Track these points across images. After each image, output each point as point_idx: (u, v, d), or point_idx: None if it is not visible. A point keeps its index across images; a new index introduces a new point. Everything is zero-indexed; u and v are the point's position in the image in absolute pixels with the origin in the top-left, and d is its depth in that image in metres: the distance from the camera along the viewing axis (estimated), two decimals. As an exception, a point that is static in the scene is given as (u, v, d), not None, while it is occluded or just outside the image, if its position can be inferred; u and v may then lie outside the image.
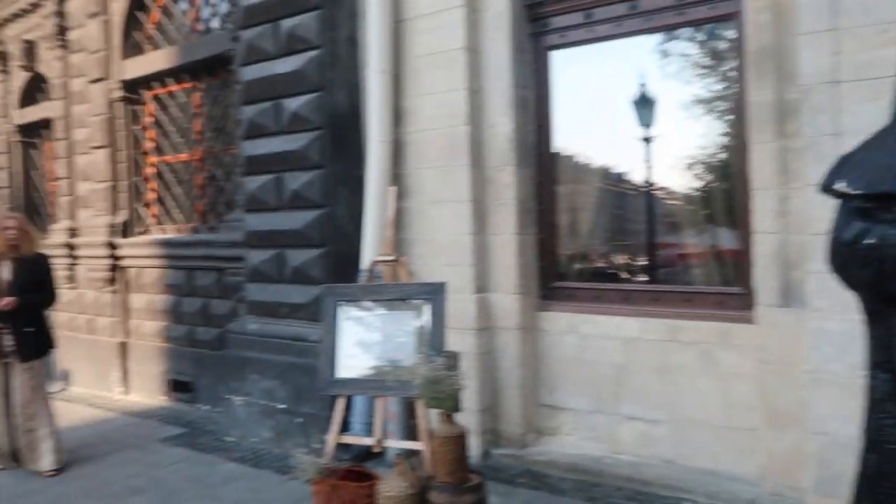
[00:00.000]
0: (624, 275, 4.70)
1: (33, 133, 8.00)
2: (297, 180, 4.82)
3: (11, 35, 7.78)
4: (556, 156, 4.60)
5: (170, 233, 6.51)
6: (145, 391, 6.54)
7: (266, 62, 4.96)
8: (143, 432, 5.48)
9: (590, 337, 4.28)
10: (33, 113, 7.76)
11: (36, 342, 4.59)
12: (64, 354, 7.24)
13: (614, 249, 4.90)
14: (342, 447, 3.91)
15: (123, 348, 6.69)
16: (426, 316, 3.48)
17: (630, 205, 4.87)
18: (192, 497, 4.06)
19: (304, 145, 4.76)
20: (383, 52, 4.56)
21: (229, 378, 5.20)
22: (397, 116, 4.67)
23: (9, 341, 4.47)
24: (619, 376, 4.17)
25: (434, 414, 3.27)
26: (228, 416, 5.20)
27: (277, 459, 4.62)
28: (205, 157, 6.25)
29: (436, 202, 4.55)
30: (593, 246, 4.81)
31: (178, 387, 6.27)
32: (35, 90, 7.86)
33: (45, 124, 7.69)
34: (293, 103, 4.80)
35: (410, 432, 4.20)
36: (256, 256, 5.09)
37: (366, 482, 3.33)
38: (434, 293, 3.50)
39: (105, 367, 6.83)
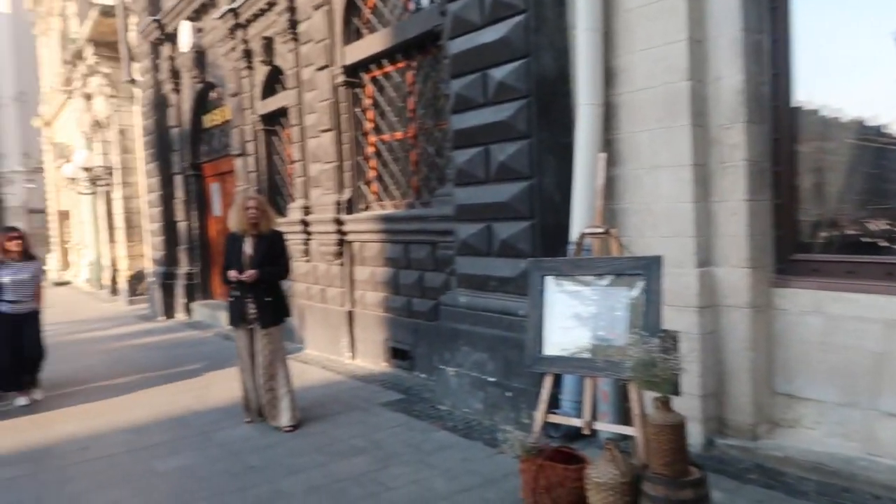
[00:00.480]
0: (884, 244, 3.94)
1: (274, 121, 8.87)
2: (503, 152, 4.73)
3: (253, 34, 8.65)
4: (796, 109, 3.96)
5: (388, 208, 6.84)
6: (369, 357, 6.99)
7: (472, 33, 4.91)
8: (367, 396, 5.84)
9: (840, 318, 3.66)
10: (273, 103, 8.59)
11: (274, 310, 5.07)
12: (302, 321, 8.03)
13: (871, 215, 4.13)
14: (551, 425, 3.79)
15: (350, 317, 7.21)
16: (640, 292, 3.20)
17: (892, 162, 4.07)
18: (407, 462, 4.22)
19: (511, 115, 4.64)
20: (592, 8, 4.26)
21: (442, 349, 5.33)
22: (608, 77, 4.35)
23: (251, 309, 4.99)
24: (879, 365, 3.51)
25: (649, 398, 3.00)
26: (441, 385, 5.34)
27: (487, 431, 4.64)
28: (418, 134, 6.43)
29: (652, 168, 4.18)
30: (844, 211, 4.09)
31: (397, 354, 6.61)
32: (274, 82, 8.68)
33: (282, 112, 8.48)
34: (499, 72, 4.69)
35: (623, 415, 3.96)
36: (465, 230, 5.11)
37: (574, 465, 3.18)
38: (649, 267, 3.20)
39: (335, 334, 7.42)
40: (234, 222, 5.13)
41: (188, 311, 11.56)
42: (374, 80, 6.93)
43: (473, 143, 4.96)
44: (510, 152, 4.68)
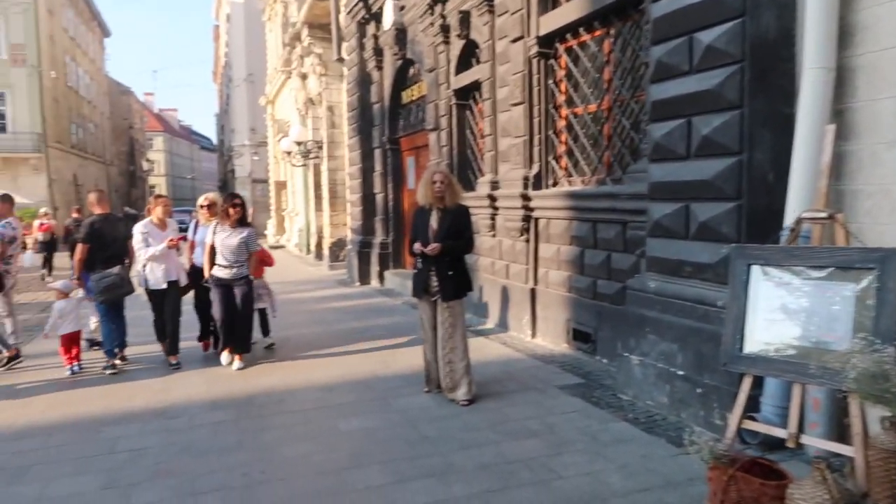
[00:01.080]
0: None
1: (467, 95, 8.92)
2: (708, 124, 4.26)
3: (451, 8, 8.72)
4: None
5: (577, 185, 6.57)
6: (550, 336, 6.83)
7: (679, -7, 4.46)
8: (544, 376, 5.70)
9: None
10: (466, 77, 8.63)
11: (456, 284, 5.08)
12: (484, 296, 8.06)
13: None
14: (747, 432, 3.39)
15: (533, 294, 7.08)
16: (870, 290, 2.70)
17: None
18: (582, 451, 4.02)
19: (719, 83, 4.16)
20: (828, -45, 3.65)
21: (627, 335, 5.01)
22: (842, 36, 3.72)
23: (434, 282, 5.04)
24: None
25: (874, 415, 2.53)
26: (624, 373, 5.03)
27: (672, 428, 4.29)
28: (613, 107, 6.07)
29: (894, 143, 3.52)
30: None
31: (579, 336, 6.37)
32: (468, 56, 8.71)
33: (475, 86, 8.49)
34: (708, 36, 4.22)
35: (838, 431, 3.43)
36: (659, 210, 4.72)
37: (773, 480, 2.79)
38: (884, 261, 2.68)
39: (517, 311, 7.35)
40: (421, 196, 5.20)
41: (381, 278, 12.19)
42: (569, 51, 6.66)
43: (674, 114, 4.53)
44: (716, 125, 4.21)
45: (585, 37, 6.35)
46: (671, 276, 4.65)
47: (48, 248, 16.50)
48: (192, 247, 7.08)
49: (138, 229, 6.46)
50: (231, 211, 6.32)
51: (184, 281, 6.74)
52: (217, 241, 6.29)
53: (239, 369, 6.32)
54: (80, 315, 6.67)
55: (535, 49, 6.84)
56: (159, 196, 6.96)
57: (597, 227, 6.04)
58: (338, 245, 15.97)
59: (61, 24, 36.53)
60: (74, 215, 15.41)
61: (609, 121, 6.12)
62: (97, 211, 6.58)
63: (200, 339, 7.14)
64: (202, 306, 6.94)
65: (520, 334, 7.30)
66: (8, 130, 30.91)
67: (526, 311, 7.17)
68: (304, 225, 20.20)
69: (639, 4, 5.43)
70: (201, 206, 7.18)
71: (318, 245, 17.80)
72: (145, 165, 33.71)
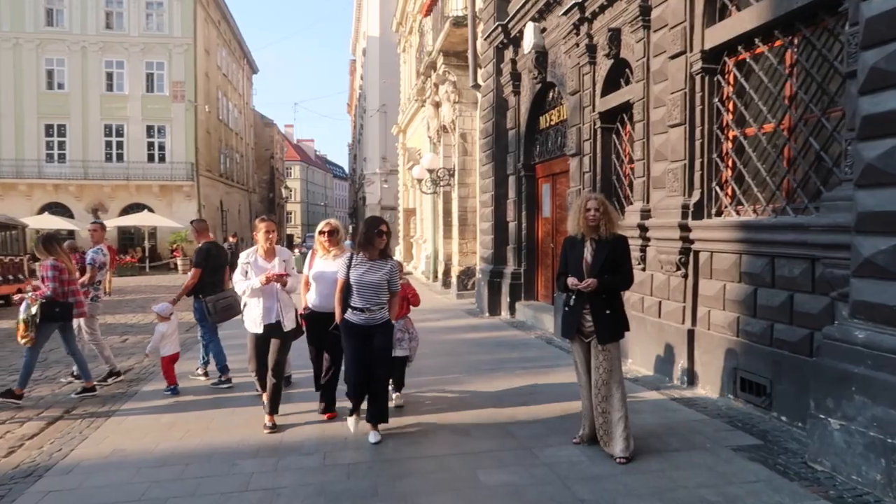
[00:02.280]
0: None
1: (613, 118, 8.34)
2: (944, 141, 3.46)
3: (598, 27, 8.22)
4: None
5: (748, 214, 5.80)
6: (711, 385, 6.03)
7: (901, -14, 3.72)
8: (711, 433, 4.95)
9: None
10: (614, 99, 8.06)
11: (612, 324, 4.50)
12: (631, 335, 7.35)
13: None
14: None
15: (691, 336, 6.32)
16: None
17: None
18: (781, 537, 3.30)
19: (962, 90, 3.37)
20: None
21: (822, 393, 4.19)
22: None
23: (589, 322, 4.49)
24: None
25: None
26: (818, 438, 4.21)
27: (895, 517, 3.46)
28: (795, 125, 5.29)
29: None
30: None
31: (748, 387, 5.55)
32: (616, 76, 8.15)
33: (624, 108, 7.91)
34: (946, 33, 3.45)
35: None
36: (871, 245, 3.92)
37: None
38: None
39: (671, 354, 6.60)
40: (572, 225, 4.70)
41: (512, 310, 11.70)
42: (740, 65, 5.94)
43: (894, 131, 3.76)
44: (956, 142, 3.41)
45: (762, 48, 5.62)
46: (886, 325, 3.83)
47: None
48: (307, 284, 5.75)
49: (241, 259, 5.34)
50: (377, 240, 4.95)
51: (290, 325, 5.40)
52: (352, 277, 4.91)
53: (375, 443, 4.88)
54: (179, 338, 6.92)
55: (698, 65, 6.18)
56: (263, 219, 5.50)
57: (775, 263, 5.25)
58: (466, 274, 15.68)
59: (216, 62, 39.55)
60: (231, 239, 16.42)
61: (791, 141, 5.34)
62: (205, 238, 7.02)
63: (325, 410, 5.64)
64: (319, 355, 5.72)
65: (674, 381, 6.54)
66: (166, 160, 33.63)
67: (682, 354, 6.41)
68: (431, 252, 20.17)
69: (835, 6, 4.68)
70: (320, 233, 5.75)
71: (447, 273, 17.63)
72: (284, 193, 35.40)
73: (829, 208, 4.57)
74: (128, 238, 33.22)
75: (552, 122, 10.61)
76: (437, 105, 17.83)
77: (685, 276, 6.42)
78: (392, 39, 33.07)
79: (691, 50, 6.29)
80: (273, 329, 5.29)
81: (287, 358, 5.82)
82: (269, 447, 4.87)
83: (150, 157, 33.59)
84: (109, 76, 33.27)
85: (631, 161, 7.84)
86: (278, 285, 5.27)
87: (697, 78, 6.25)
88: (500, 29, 11.55)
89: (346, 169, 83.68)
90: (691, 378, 6.32)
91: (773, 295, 5.26)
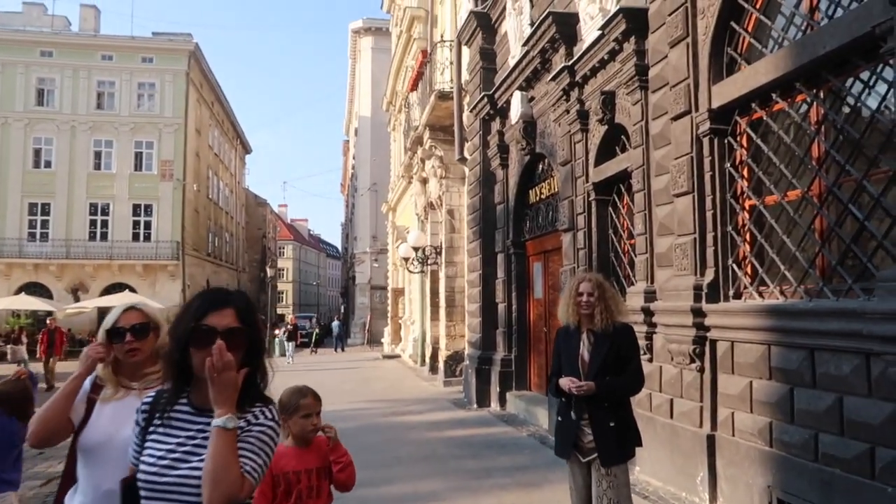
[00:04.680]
0: None
1: (609, 189, 7.54)
2: None
3: (590, 91, 7.55)
4: None
5: (774, 297, 4.87)
6: (738, 503, 4.94)
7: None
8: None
9: None
10: (610, 167, 7.29)
11: (618, 440, 3.51)
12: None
13: None
14: None
15: (711, 443, 5.26)
16: None
17: None
18: None
19: None
20: None
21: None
22: None
23: (588, 437, 3.48)
24: None
25: None
26: None
27: None
28: (828, 191, 4.44)
29: None
30: None
31: (789, 513, 4.46)
32: (611, 143, 7.41)
33: (621, 178, 7.13)
34: None
35: None
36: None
37: None
38: None
39: (686, 463, 5.52)
40: (563, 312, 3.80)
41: (502, 401, 10.57)
42: (755, 124, 5.17)
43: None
44: None
45: (781, 104, 4.84)
46: None
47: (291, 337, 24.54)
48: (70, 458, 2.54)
49: None
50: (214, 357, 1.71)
51: None
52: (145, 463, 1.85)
53: None
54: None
55: (706, 125, 5.41)
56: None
57: (816, 358, 4.27)
58: (454, 359, 14.57)
59: (207, 141, 39.50)
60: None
61: (824, 209, 4.47)
62: None
63: None
64: None
65: (691, 495, 5.42)
66: (151, 239, 32.88)
67: (700, 464, 5.32)
68: (419, 334, 19.10)
69: (872, 50, 3.92)
70: (114, 332, 2.46)
71: (434, 357, 16.52)
72: (269, 272, 34.61)
73: (888, 291, 3.64)
74: (106, 319, 32.03)
75: (543, 196, 9.84)
76: (425, 181, 17.23)
77: (701, 370, 5.42)
78: (382, 119, 33.08)
79: (697, 109, 5.53)
80: None
81: None
82: None
83: (136, 236, 32.89)
84: (98, 155, 33.02)
85: (631, 236, 6.98)
86: None
87: (705, 140, 5.46)
88: (486, 100, 10.96)
89: (340, 248, 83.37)
90: (713, 494, 5.22)
91: (815, 397, 4.26)
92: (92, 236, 32.43)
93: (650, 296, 6.18)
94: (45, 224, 32.17)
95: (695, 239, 5.52)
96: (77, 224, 32.21)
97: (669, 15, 5.86)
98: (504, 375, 10.62)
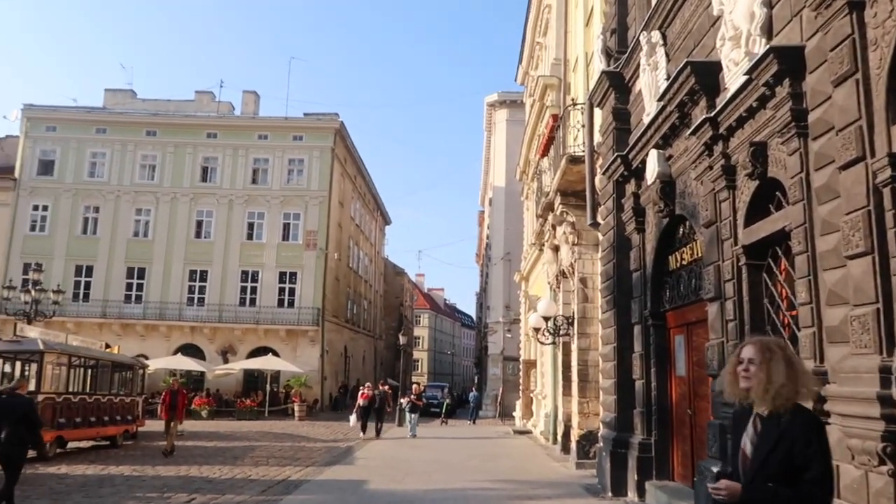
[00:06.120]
0: None
1: (762, 252, 6.59)
2: None
3: (736, 143, 6.75)
4: None
5: None
6: None
7: None
8: None
9: None
10: (763, 227, 6.38)
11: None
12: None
13: None
14: None
15: (912, 573, 4.11)
16: None
17: None
18: None
19: None
20: None
21: None
22: None
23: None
24: None
25: None
26: None
27: None
28: None
29: None
30: None
31: None
32: (764, 200, 6.51)
33: (777, 239, 6.20)
34: None
35: None
36: None
37: None
38: None
39: None
40: (723, 385, 3.07)
41: (640, 490, 9.43)
42: (954, 169, 4.20)
43: None
44: None
45: None
46: None
47: (366, 412, 21.21)
48: None
49: None
50: None
51: None
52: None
53: None
54: None
55: (885, 173, 4.49)
56: None
57: None
58: (587, 438, 13.47)
59: (349, 213, 41.46)
60: (385, 387, 24.78)
61: None
62: None
63: None
64: None
65: None
66: (295, 305, 34.49)
67: None
68: (551, 410, 18.08)
69: None
70: None
71: (566, 435, 15.44)
72: (402, 340, 34.97)
73: None
74: (252, 381, 33.58)
75: (684, 262, 8.92)
76: (556, 249, 16.62)
77: (893, 475, 4.31)
78: (516, 188, 33.06)
79: (872, 155, 4.63)
80: None
81: None
82: None
83: (280, 302, 34.65)
84: (251, 226, 35.57)
85: (791, 307, 5.98)
86: None
87: (885, 190, 4.53)
88: (619, 161, 10.32)
89: (475, 318, 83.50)
90: None
91: None
92: (242, 302, 34.58)
93: (820, 379, 5.15)
94: (202, 290, 34.79)
95: (878, 310, 4.51)
96: (230, 290, 34.56)
97: (832, 50, 5.06)
98: (643, 462, 9.50)
